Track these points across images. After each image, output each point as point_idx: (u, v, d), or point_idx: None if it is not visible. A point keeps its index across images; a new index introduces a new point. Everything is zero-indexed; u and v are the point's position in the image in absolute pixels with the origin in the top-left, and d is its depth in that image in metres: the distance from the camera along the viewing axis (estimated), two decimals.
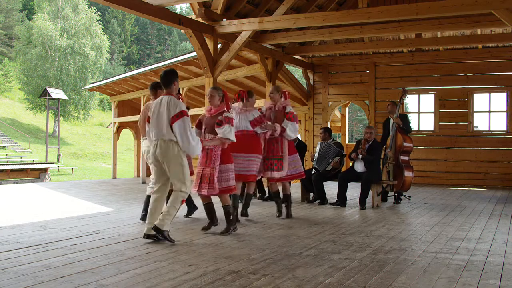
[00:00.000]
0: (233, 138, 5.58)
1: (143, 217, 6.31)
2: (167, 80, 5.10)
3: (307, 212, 7.35)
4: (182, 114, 4.97)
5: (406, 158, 8.44)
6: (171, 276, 3.68)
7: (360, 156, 7.86)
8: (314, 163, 8.38)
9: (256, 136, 6.42)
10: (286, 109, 6.65)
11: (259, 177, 7.16)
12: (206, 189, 5.42)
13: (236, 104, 6.58)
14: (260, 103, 10.55)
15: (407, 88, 9.28)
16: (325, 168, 8.19)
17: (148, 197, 6.44)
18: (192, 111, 11.36)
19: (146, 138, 6.44)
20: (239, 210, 6.64)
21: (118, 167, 23.29)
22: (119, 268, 3.92)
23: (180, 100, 6.09)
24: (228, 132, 5.49)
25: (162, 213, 5.00)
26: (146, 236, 5.01)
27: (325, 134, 8.54)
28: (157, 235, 4.92)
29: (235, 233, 5.53)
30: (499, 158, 12.30)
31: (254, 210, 7.40)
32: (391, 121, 8.60)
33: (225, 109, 5.64)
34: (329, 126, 13.81)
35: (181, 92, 6.78)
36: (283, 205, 6.92)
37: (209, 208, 5.68)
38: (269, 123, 6.58)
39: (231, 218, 5.55)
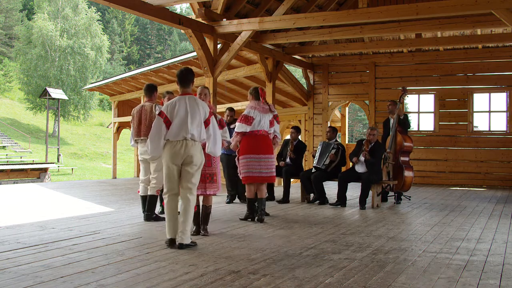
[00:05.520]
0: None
1: (148, 218, 6.29)
2: (187, 79, 4.88)
3: (307, 212, 7.35)
4: (211, 114, 4.93)
5: (406, 158, 8.43)
6: (171, 276, 3.68)
7: (362, 158, 7.83)
8: (314, 163, 8.39)
9: (269, 137, 6.43)
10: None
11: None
12: (211, 188, 5.37)
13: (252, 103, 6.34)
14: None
15: (407, 88, 9.26)
16: (323, 163, 8.23)
17: (144, 197, 6.40)
18: None
19: (139, 141, 6.33)
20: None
21: (118, 167, 23.30)
22: (119, 268, 3.92)
23: (160, 103, 6.10)
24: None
25: (180, 230, 4.70)
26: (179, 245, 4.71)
27: (332, 133, 8.55)
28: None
29: (235, 233, 5.53)
30: (499, 158, 12.30)
31: None
32: (391, 121, 8.59)
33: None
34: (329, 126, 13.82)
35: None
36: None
37: (200, 212, 5.53)
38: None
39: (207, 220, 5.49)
